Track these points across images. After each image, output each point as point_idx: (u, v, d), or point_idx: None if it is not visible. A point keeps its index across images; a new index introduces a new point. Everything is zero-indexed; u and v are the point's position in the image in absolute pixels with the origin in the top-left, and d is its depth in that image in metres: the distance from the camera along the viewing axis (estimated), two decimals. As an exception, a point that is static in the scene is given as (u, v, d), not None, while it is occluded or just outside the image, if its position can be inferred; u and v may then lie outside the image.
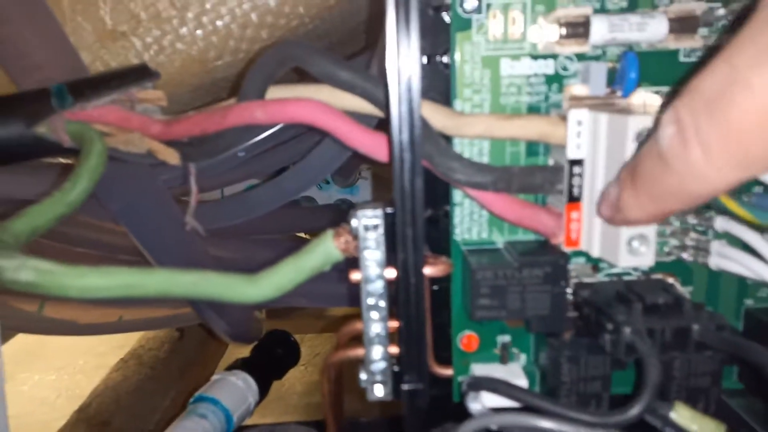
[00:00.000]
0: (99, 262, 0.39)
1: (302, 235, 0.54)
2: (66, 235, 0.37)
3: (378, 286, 0.22)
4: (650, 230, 0.21)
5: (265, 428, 0.33)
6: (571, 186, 0.23)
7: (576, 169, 0.23)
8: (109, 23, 0.29)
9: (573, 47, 0.23)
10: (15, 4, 0.27)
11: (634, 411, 0.20)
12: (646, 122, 0.21)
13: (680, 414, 0.21)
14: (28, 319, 0.43)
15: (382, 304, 0.23)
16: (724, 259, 0.23)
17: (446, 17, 0.24)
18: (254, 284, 0.22)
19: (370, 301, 0.23)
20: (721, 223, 0.23)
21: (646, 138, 0.20)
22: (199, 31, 0.30)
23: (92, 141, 0.24)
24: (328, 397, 0.26)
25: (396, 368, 0.23)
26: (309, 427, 0.33)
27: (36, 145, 0.25)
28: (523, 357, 0.27)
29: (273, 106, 0.24)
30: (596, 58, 0.24)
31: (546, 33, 0.24)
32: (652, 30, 0.23)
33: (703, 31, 0.24)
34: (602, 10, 0.24)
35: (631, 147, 0.22)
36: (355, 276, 0.23)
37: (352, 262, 0.23)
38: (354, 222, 0.22)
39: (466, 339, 0.26)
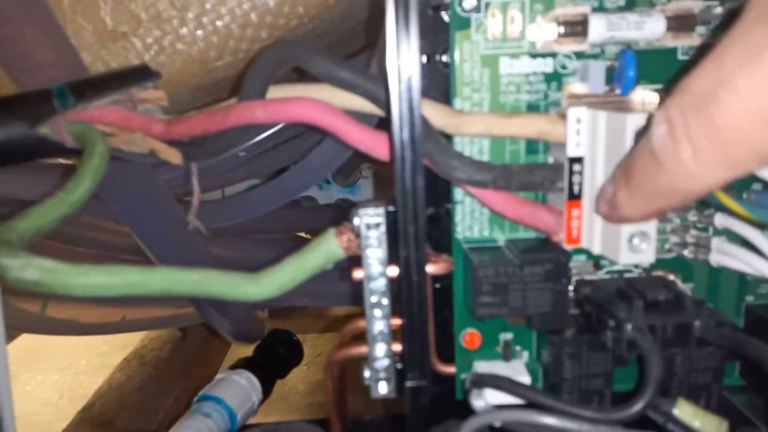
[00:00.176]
0: (101, 261, 0.39)
1: (303, 234, 0.54)
2: (68, 234, 0.37)
3: (380, 284, 0.23)
4: (651, 227, 0.22)
5: (269, 426, 0.33)
6: (571, 183, 0.23)
7: (576, 167, 0.23)
8: (109, 24, 0.29)
9: (571, 46, 0.24)
10: (16, 5, 0.27)
11: (637, 407, 0.20)
12: (645, 120, 0.22)
13: (683, 410, 0.21)
14: (31, 319, 0.43)
15: (385, 301, 0.23)
16: (724, 255, 0.23)
17: (445, 16, 0.24)
18: (257, 283, 0.22)
19: (373, 299, 0.23)
20: (721, 219, 0.23)
21: (639, 136, 0.20)
22: (199, 32, 0.30)
23: (95, 141, 0.24)
24: (332, 395, 0.26)
25: (399, 366, 0.24)
26: (313, 425, 0.33)
27: (38, 145, 0.25)
28: (525, 354, 0.27)
29: (274, 105, 0.24)
30: (595, 56, 0.24)
31: (544, 31, 0.24)
32: (649, 28, 0.23)
33: (700, 29, 0.24)
34: (600, 9, 0.24)
35: (630, 144, 0.22)
36: (357, 274, 0.23)
37: (354, 260, 0.23)
38: (356, 220, 0.22)
39: (468, 337, 0.26)
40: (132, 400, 0.58)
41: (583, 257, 0.26)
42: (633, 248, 0.22)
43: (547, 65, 0.24)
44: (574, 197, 0.23)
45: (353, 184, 0.60)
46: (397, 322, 0.23)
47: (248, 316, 0.41)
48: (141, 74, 0.28)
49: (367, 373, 0.23)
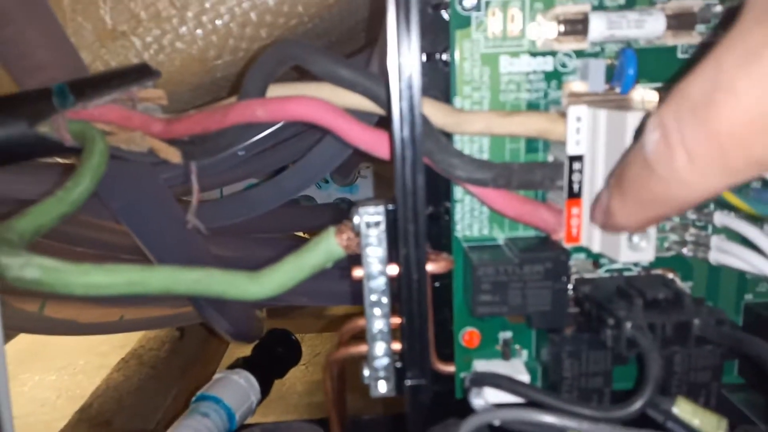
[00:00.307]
0: (100, 261, 0.39)
1: (302, 234, 0.54)
2: (67, 234, 0.37)
3: (380, 282, 0.23)
4: (650, 225, 0.22)
5: (268, 426, 0.33)
6: (571, 182, 0.23)
7: (576, 165, 0.23)
8: (109, 23, 0.29)
9: (572, 44, 0.24)
10: (17, 5, 0.27)
11: (636, 405, 0.20)
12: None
13: (682, 408, 0.21)
14: (30, 319, 0.43)
15: (385, 300, 0.23)
16: (723, 253, 0.23)
17: (445, 15, 0.24)
18: (256, 281, 0.22)
19: (373, 297, 0.23)
20: (720, 217, 0.23)
21: (632, 144, 0.20)
22: (198, 31, 0.30)
23: (94, 140, 0.24)
24: (331, 394, 0.26)
25: (398, 364, 0.24)
26: (313, 425, 0.33)
27: (38, 144, 0.25)
28: (524, 353, 0.27)
29: (274, 104, 0.24)
30: (595, 54, 0.24)
31: (545, 30, 0.24)
32: (649, 27, 0.23)
33: (700, 27, 0.24)
34: (600, 7, 0.24)
35: (630, 142, 0.22)
36: (357, 273, 0.23)
37: (354, 259, 0.23)
38: (356, 219, 0.22)
39: (467, 335, 0.26)
40: (130, 400, 0.58)
41: (582, 256, 0.26)
42: (633, 246, 0.22)
43: (547, 64, 0.24)
44: (574, 196, 0.23)
45: (352, 184, 0.60)
46: (396, 320, 0.23)
47: (247, 315, 0.41)
48: (140, 73, 0.27)
49: (366, 372, 0.23)
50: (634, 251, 0.22)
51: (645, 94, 0.24)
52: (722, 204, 0.24)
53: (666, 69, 0.24)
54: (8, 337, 0.52)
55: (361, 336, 0.24)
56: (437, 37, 0.24)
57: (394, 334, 0.23)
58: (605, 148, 0.22)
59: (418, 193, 0.21)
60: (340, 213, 0.53)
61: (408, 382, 0.23)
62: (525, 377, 0.25)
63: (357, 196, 0.59)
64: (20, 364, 0.80)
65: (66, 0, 0.29)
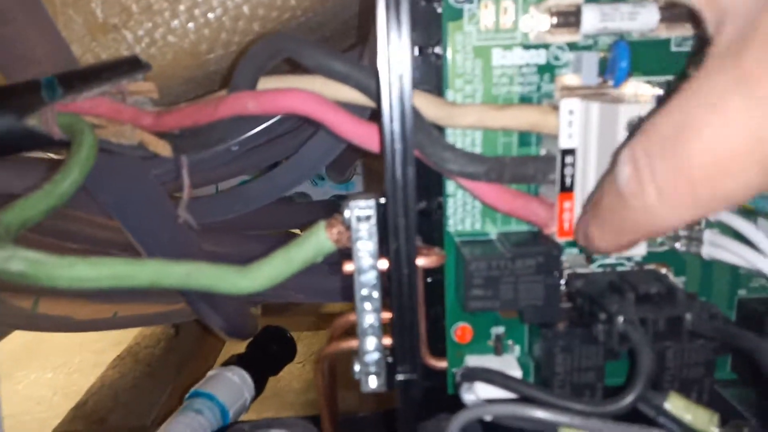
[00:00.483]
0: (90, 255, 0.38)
1: (297, 231, 0.54)
2: (59, 230, 0.37)
3: (371, 276, 0.22)
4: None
5: (260, 422, 0.33)
6: (563, 176, 0.23)
7: (568, 159, 0.23)
8: (100, 16, 0.29)
9: (564, 37, 0.23)
10: (6, -1, 0.27)
11: (628, 400, 0.20)
12: (637, 111, 0.21)
13: (674, 404, 0.21)
14: (23, 316, 0.43)
15: (375, 295, 0.23)
16: (716, 248, 0.23)
17: (438, 8, 0.24)
18: (246, 275, 0.22)
19: (364, 292, 0.22)
20: (713, 212, 0.23)
21: (606, 174, 0.21)
22: (190, 24, 0.30)
23: (83, 132, 0.24)
24: (322, 390, 0.26)
25: (390, 359, 0.23)
26: (305, 421, 0.33)
27: (26, 137, 0.25)
28: (517, 348, 0.27)
29: (265, 96, 0.24)
30: (588, 47, 0.24)
31: (537, 22, 0.24)
32: (643, 19, 0.23)
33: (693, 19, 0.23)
34: (593, 0, 0.24)
35: (622, 135, 0.22)
36: (348, 267, 0.23)
37: (345, 254, 0.23)
38: (346, 212, 0.22)
39: (460, 331, 0.26)
40: (125, 398, 0.58)
41: (575, 250, 0.26)
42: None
43: (539, 56, 0.24)
44: (566, 189, 0.23)
45: (348, 181, 0.60)
46: (387, 315, 0.23)
47: (240, 312, 0.41)
48: (131, 66, 0.27)
49: (357, 367, 0.23)
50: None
51: (638, 87, 0.24)
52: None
53: (659, 62, 0.24)
54: (2, 335, 0.51)
55: (353, 331, 0.24)
56: (430, 29, 0.24)
57: (385, 329, 0.23)
58: (598, 141, 0.22)
59: (409, 186, 0.21)
60: (336, 210, 0.53)
61: (399, 377, 0.23)
62: (517, 372, 0.25)
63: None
64: (16, 362, 0.80)
65: (56, -8, 0.29)
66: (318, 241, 0.22)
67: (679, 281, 0.26)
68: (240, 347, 0.49)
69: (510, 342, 0.27)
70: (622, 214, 0.18)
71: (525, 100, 0.24)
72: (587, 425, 0.20)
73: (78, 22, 0.29)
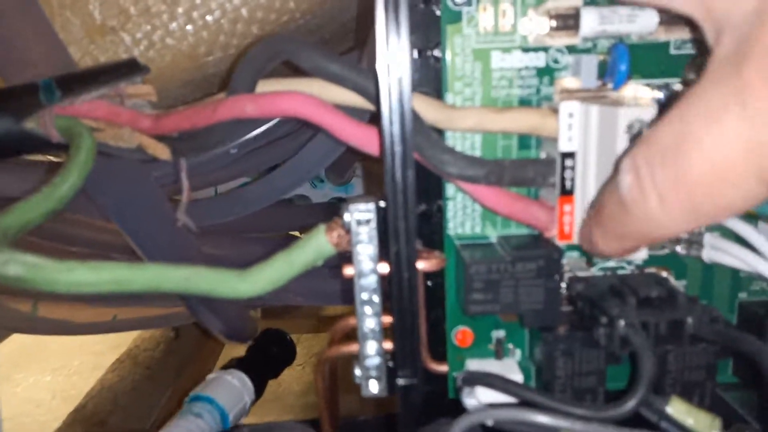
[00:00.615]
0: (91, 259, 0.38)
1: (297, 233, 0.54)
2: (58, 233, 0.36)
3: (371, 280, 0.22)
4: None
5: (262, 426, 0.33)
6: (563, 179, 0.23)
7: (568, 162, 0.23)
8: (98, 18, 0.29)
9: (563, 39, 0.23)
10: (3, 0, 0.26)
11: (630, 404, 0.19)
12: (637, 114, 0.21)
13: (676, 408, 0.21)
14: (23, 319, 0.43)
15: (376, 299, 0.22)
16: (717, 251, 0.23)
17: (437, 10, 0.24)
18: (246, 279, 0.21)
19: (364, 296, 0.22)
20: (714, 215, 0.23)
21: (608, 182, 0.21)
22: (189, 26, 0.30)
23: (81, 136, 0.24)
24: (322, 393, 0.26)
25: (390, 364, 0.23)
26: (305, 425, 0.33)
27: (24, 140, 0.25)
28: (518, 352, 0.27)
29: (263, 99, 0.24)
30: (587, 50, 0.24)
31: (536, 25, 0.23)
32: (642, 22, 0.23)
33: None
34: (591, 3, 0.24)
35: (622, 138, 0.22)
36: (348, 271, 0.22)
37: (345, 257, 0.23)
38: (346, 216, 0.22)
39: (460, 334, 0.26)
40: (125, 400, 0.58)
41: (575, 254, 0.26)
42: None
43: (539, 59, 0.24)
44: (567, 192, 0.23)
45: (347, 183, 0.60)
46: (388, 319, 0.23)
47: (240, 315, 0.41)
48: (129, 69, 0.27)
49: (357, 372, 0.23)
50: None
51: (637, 90, 0.24)
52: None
53: (658, 64, 0.24)
54: (1, 338, 0.51)
55: (353, 335, 0.24)
56: (428, 32, 0.24)
57: (385, 333, 0.23)
58: (597, 144, 0.22)
59: (408, 189, 0.21)
60: (335, 212, 0.53)
61: (399, 382, 0.23)
62: (518, 376, 0.25)
63: (352, 196, 0.59)
64: (15, 364, 0.80)
65: (54, -5, 0.28)
66: (318, 244, 0.22)
67: (679, 285, 0.26)
68: (240, 350, 0.49)
69: (511, 346, 0.26)
70: (624, 221, 0.19)
71: (524, 102, 0.24)
72: (589, 430, 0.20)
73: (76, 24, 0.29)
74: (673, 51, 0.24)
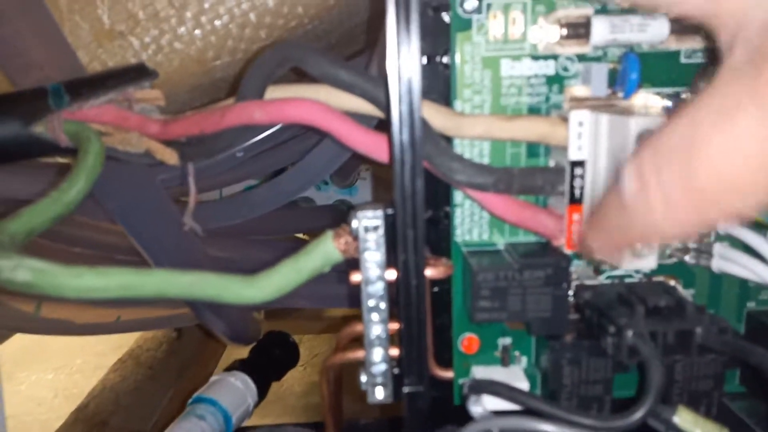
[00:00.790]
0: (96, 262, 0.38)
1: (300, 236, 0.54)
2: (63, 234, 0.36)
3: (378, 287, 0.22)
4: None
5: (264, 429, 0.33)
6: (572, 187, 0.23)
7: (577, 171, 0.22)
8: (106, 23, 0.29)
9: (574, 48, 0.23)
10: (13, 3, 0.26)
11: (638, 415, 0.19)
12: (648, 123, 0.21)
13: (683, 418, 0.21)
14: (26, 319, 0.42)
15: (383, 305, 0.22)
16: (726, 261, 0.23)
17: (446, 17, 0.24)
18: (253, 285, 0.21)
19: (371, 302, 0.22)
20: (723, 225, 0.23)
21: (609, 186, 0.21)
22: (197, 31, 0.30)
23: (90, 140, 0.24)
24: (328, 398, 0.26)
25: (396, 371, 0.23)
26: (308, 429, 0.32)
27: (33, 144, 0.25)
28: (524, 360, 0.26)
29: (272, 106, 0.24)
30: (597, 58, 0.24)
31: (546, 33, 0.23)
32: (653, 31, 0.23)
33: (704, 32, 0.23)
34: (603, 11, 0.24)
35: (633, 148, 0.22)
36: (355, 277, 0.22)
37: (351, 262, 0.23)
38: (354, 223, 0.22)
39: (466, 341, 0.26)
40: (127, 401, 0.58)
41: (583, 262, 0.26)
42: (635, 253, 0.21)
43: (548, 67, 0.24)
44: (576, 201, 0.23)
45: (351, 185, 0.60)
46: (394, 326, 0.23)
47: (244, 317, 0.41)
48: (138, 73, 0.27)
49: (363, 378, 0.23)
50: (637, 258, 0.22)
51: (648, 99, 0.24)
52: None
53: (669, 73, 0.24)
54: (4, 337, 0.51)
55: (358, 340, 0.24)
56: (437, 39, 0.24)
57: (391, 339, 0.23)
58: (607, 153, 0.22)
59: (418, 197, 0.21)
60: (340, 214, 0.53)
61: (405, 389, 0.23)
62: (524, 384, 0.25)
63: (356, 198, 0.59)
64: (17, 363, 0.80)
65: (63, -1, 0.28)
66: (326, 251, 0.22)
67: (687, 294, 0.26)
68: (243, 351, 0.49)
69: (517, 353, 0.26)
70: (624, 227, 0.18)
71: (533, 110, 0.24)
72: (596, 440, 0.19)
73: (84, 29, 0.29)
74: (683, 60, 0.24)
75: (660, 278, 0.26)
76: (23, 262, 0.18)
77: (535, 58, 0.24)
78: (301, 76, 0.25)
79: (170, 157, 0.26)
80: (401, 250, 0.22)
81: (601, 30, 0.22)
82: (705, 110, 0.16)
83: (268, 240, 0.44)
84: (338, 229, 0.23)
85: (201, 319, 0.38)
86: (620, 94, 0.24)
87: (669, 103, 0.24)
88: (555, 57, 0.24)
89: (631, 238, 0.19)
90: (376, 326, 0.23)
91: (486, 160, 0.25)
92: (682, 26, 0.23)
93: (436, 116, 0.23)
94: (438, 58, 0.24)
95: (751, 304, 0.26)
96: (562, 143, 0.23)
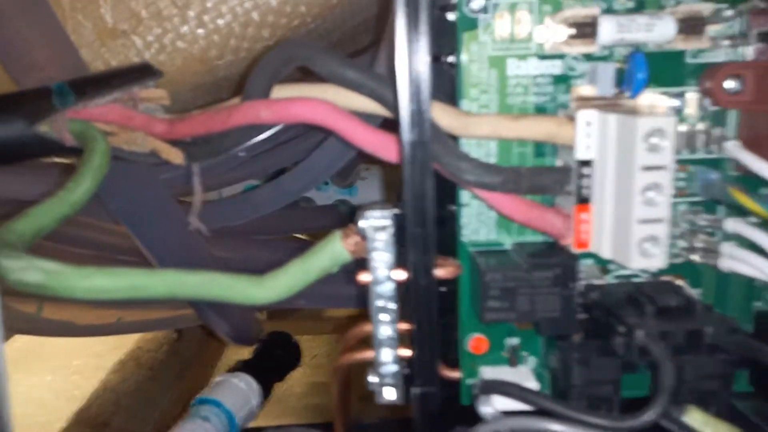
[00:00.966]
0: (98, 262, 0.38)
1: (300, 235, 0.54)
2: (65, 234, 0.36)
3: (387, 288, 0.22)
4: (662, 232, 0.21)
5: (270, 431, 0.32)
6: (580, 187, 0.23)
7: (585, 170, 0.22)
8: (109, 21, 0.29)
9: (580, 47, 0.23)
10: (15, 2, 0.26)
11: (649, 415, 0.19)
12: (656, 123, 0.21)
13: (693, 418, 0.21)
14: (27, 320, 0.42)
15: (392, 306, 0.22)
16: (734, 260, 0.23)
17: (451, 17, 0.24)
18: (262, 286, 0.21)
19: (380, 303, 0.22)
20: (731, 224, 0.23)
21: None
22: (200, 30, 0.30)
23: (95, 140, 0.24)
24: (337, 399, 0.26)
25: (406, 371, 0.23)
26: (315, 430, 0.32)
27: (38, 144, 0.24)
28: (532, 359, 0.26)
29: (278, 105, 0.24)
30: (603, 58, 0.24)
31: (553, 33, 0.23)
32: (660, 30, 0.23)
33: (710, 31, 0.23)
34: (609, 11, 0.24)
35: (640, 147, 0.22)
36: (363, 278, 0.22)
37: (360, 263, 0.23)
38: (362, 223, 0.22)
39: (474, 341, 0.26)
40: (127, 402, 0.57)
41: (590, 261, 0.26)
42: (644, 253, 0.21)
43: (555, 67, 0.24)
44: (584, 200, 0.23)
45: (351, 185, 0.59)
46: (403, 326, 0.23)
47: (247, 318, 0.40)
48: (143, 72, 0.27)
49: (373, 379, 0.23)
50: (646, 258, 0.22)
51: (654, 99, 0.24)
52: (734, 207, 0.23)
53: (674, 73, 0.24)
54: (4, 339, 0.51)
55: (366, 341, 0.24)
56: (443, 39, 0.24)
57: (400, 339, 0.23)
58: (615, 153, 0.22)
59: (427, 197, 0.21)
60: (339, 215, 0.53)
61: (416, 390, 0.23)
62: (533, 384, 0.25)
63: (356, 198, 0.59)
64: (15, 364, 0.79)
65: (66, -2, 0.28)
66: (334, 251, 0.22)
67: (695, 293, 0.26)
68: (243, 352, 0.48)
69: (525, 353, 0.26)
70: None
71: (540, 110, 0.24)
72: (607, 440, 0.19)
73: (87, 27, 0.29)
74: (689, 60, 0.24)
75: (667, 277, 0.26)
76: (34, 263, 0.18)
77: (542, 57, 0.24)
78: (306, 74, 0.25)
79: (176, 157, 0.26)
80: (411, 251, 0.21)
81: (609, 30, 0.22)
82: None
83: (269, 240, 0.43)
84: (346, 229, 0.22)
85: (204, 320, 0.38)
86: (627, 94, 0.23)
87: (675, 103, 0.24)
88: (561, 56, 0.24)
89: None
90: (386, 327, 0.23)
91: (493, 160, 0.25)
92: (688, 26, 0.23)
93: (443, 116, 0.23)
94: (443, 58, 0.24)
95: (758, 304, 0.26)
96: (569, 143, 0.23)
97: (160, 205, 0.31)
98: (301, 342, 0.55)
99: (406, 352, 0.23)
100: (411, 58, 0.21)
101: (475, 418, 0.23)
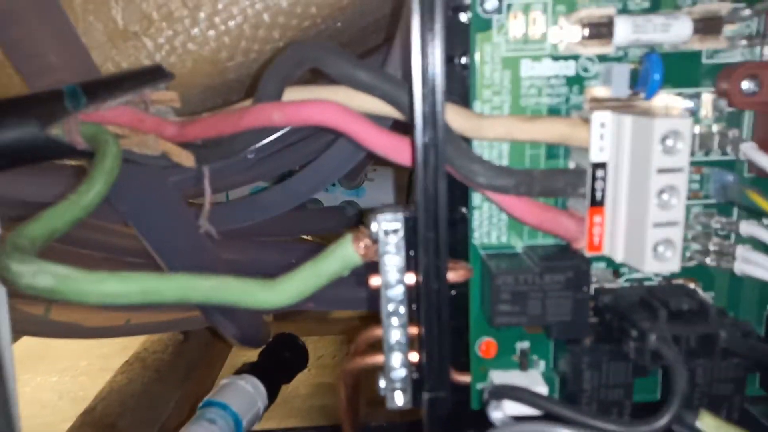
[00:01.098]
0: (107, 264, 0.38)
1: (308, 237, 0.54)
2: (73, 236, 0.36)
3: (398, 291, 0.22)
4: (676, 235, 0.21)
5: (279, 433, 0.32)
6: (594, 190, 0.22)
7: (599, 173, 0.22)
8: (120, 23, 0.29)
9: (595, 48, 0.23)
10: (27, 4, 0.26)
11: (663, 420, 0.19)
12: (672, 125, 0.21)
13: (705, 422, 0.21)
14: (35, 322, 0.42)
15: (402, 310, 0.22)
16: (748, 264, 0.23)
17: (464, 18, 0.23)
18: (273, 289, 0.21)
19: (390, 307, 0.22)
20: (746, 227, 0.23)
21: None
22: (211, 32, 0.30)
23: (107, 143, 0.24)
24: (345, 404, 0.26)
25: (416, 376, 0.23)
26: (322, 433, 0.32)
27: (49, 146, 0.24)
28: (542, 363, 0.26)
29: (290, 108, 0.24)
30: (618, 59, 0.24)
31: (567, 34, 0.23)
32: (676, 31, 0.22)
33: (727, 31, 0.23)
34: (624, 11, 0.23)
35: (656, 149, 0.21)
36: (374, 281, 0.22)
37: (371, 266, 0.23)
38: (374, 226, 0.22)
39: (484, 345, 0.26)
40: (133, 403, 0.57)
41: (602, 265, 0.25)
42: (658, 256, 0.21)
43: (569, 68, 0.24)
44: (597, 204, 0.22)
45: (358, 187, 0.59)
46: (413, 330, 0.23)
47: (255, 320, 0.40)
48: (154, 75, 0.27)
49: (383, 383, 0.23)
50: (659, 261, 0.21)
51: (669, 100, 0.24)
52: (749, 210, 0.23)
53: (690, 74, 0.24)
54: (12, 340, 0.51)
55: (376, 345, 0.24)
56: (455, 40, 0.24)
57: (411, 344, 0.23)
58: (630, 155, 0.22)
59: (440, 200, 0.21)
60: (347, 216, 0.53)
61: (426, 395, 0.23)
62: (543, 389, 0.25)
63: (363, 199, 0.59)
64: (21, 365, 0.79)
65: (77, -1, 0.28)
66: (345, 255, 0.22)
67: (707, 296, 0.25)
68: (248, 353, 0.48)
69: (535, 357, 0.26)
70: None
71: (553, 111, 0.24)
72: (621, 445, 0.19)
73: (98, 29, 0.29)
74: (705, 60, 0.24)
75: (680, 281, 0.25)
76: (45, 268, 0.18)
77: (556, 58, 0.24)
78: (317, 75, 0.25)
79: (187, 159, 0.26)
80: (423, 254, 0.21)
81: (624, 30, 0.22)
82: None
83: (278, 242, 0.43)
84: (357, 233, 0.22)
85: (211, 323, 0.38)
86: (641, 95, 0.23)
87: (690, 104, 0.24)
88: (575, 57, 0.24)
89: None
90: (396, 331, 0.22)
91: (505, 162, 0.25)
92: (704, 26, 0.23)
93: (455, 118, 0.23)
94: (456, 60, 0.24)
95: (772, 307, 0.26)
96: (583, 144, 0.23)
97: (169, 208, 0.31)
98: (306, 343, 0.55)
99: (416, 357, 0.23)
100: (425, 59, 0.20)
101: (486, 423, 0.23)
